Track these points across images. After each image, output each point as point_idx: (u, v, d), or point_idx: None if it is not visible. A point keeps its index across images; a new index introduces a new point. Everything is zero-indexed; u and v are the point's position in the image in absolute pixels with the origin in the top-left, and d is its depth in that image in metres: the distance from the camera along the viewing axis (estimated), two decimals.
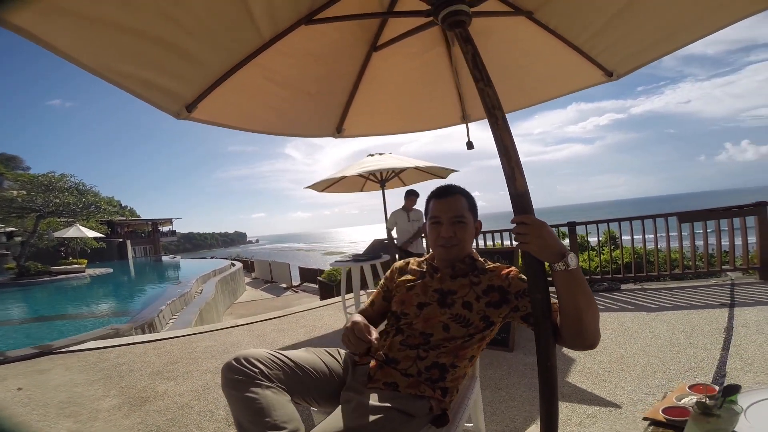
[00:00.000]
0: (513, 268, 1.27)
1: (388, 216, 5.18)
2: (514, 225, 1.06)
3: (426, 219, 1.39)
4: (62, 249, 21.58)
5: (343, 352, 1.36)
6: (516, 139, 1.16)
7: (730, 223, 4.63)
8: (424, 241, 5.10)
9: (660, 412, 1.11)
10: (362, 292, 4.44)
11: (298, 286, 15.40)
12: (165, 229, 47.88)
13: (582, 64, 1.96)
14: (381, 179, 5.37)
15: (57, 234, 20.94)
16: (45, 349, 4.04)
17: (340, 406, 1.11)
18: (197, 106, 1.64)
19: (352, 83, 2.10)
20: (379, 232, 5.27)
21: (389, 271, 1.51)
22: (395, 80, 2.19)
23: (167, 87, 1.53)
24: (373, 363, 1.25)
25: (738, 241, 4.59)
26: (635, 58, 1.90)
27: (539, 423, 1.14)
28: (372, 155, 5.09)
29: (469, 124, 2.46)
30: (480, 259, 1.35)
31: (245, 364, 1.09)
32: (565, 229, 5.40)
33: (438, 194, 1.34)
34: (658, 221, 4.82)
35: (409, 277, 1.40)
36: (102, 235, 24.98)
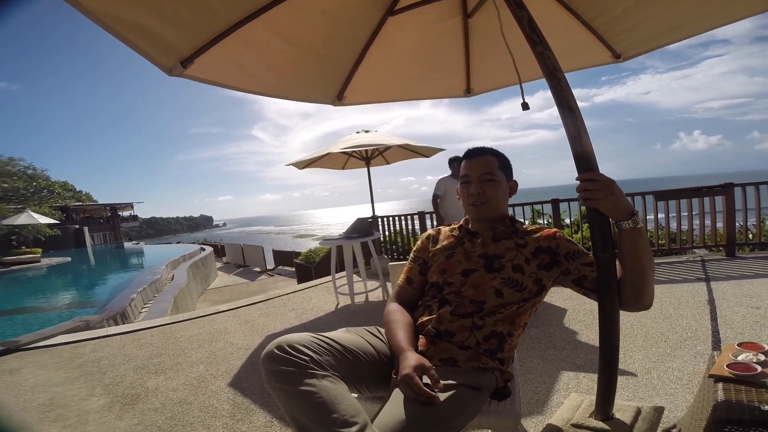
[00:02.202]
0: (556, 228, 1.24)
1: (436, 183, 4.60)
2: (579, 183, 1.05)
3: (458, 181, 1.35)
4: (13, 238, 20.02)
5: (382, 330, 1.25)
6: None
7: (701, 202, 4.88)
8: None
9: (725, 368, 1.13)
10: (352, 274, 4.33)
11: (273, 269, 15.11)
12: (125, 214, 45.29)
13: (593, 43, 1.99)
14: (366, 156, 5.24)
15: (6, 222, 19.37)
16: (11, 345, 3.70)
17: (395, 391, 1.00)
18: (194, 61, 1.50)
19: (361, 47, 1.99)
20: (352, 214, 5.14)
21: (419, 242, 1.42)
22: (404, 48, 2.11)
23: (166, 37, 1.38)
24: (422, 340, 1.16)
25: (707, 220, 4.86)
26: (645, 43, 1.97)
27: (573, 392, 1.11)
28: (358, 132, 4.92)
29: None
30: (520, 221, 1.31)
31: (291, 352, 0.96)
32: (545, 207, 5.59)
33: (468, 155, 1.32)
34: (636, 199, 5.00)
35: (444, 243, 1.32)
36: (56, 222, 23.34)
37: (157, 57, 1.44)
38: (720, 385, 1.07)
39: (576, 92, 1.14)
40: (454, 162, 4.46)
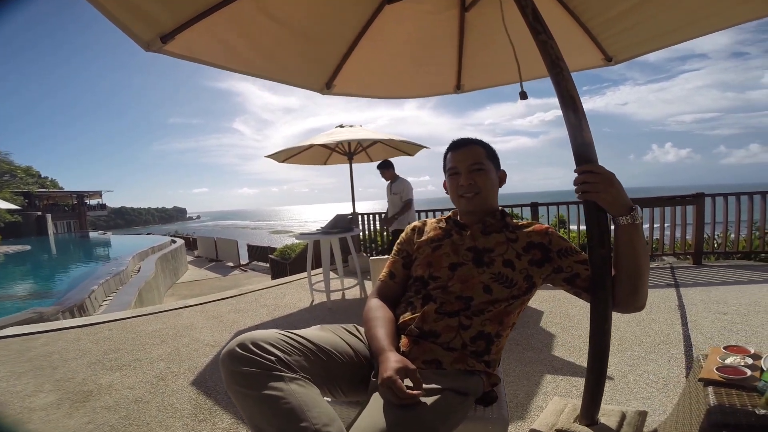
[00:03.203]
0: (548, 225, 1.19)
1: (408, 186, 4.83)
2: (577, 175, 1.01)
3: (445, 174, 1.28)
4: None
5: (361, 328, 1.16)
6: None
7: (673, 211, 5.03)
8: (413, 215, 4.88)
9: (715, 371, 1.10)
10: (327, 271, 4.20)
11: (247, 264, 14.72)
12: (93, 202, 43.23)
13: (587, 45, 1.98)
14: (349, 152, 5.12)
15: None
16: None
17: (374, 396, 0.91)
18: (175, 37, 1.40)
19: (355, 35, 1.90)
20: (332, 211, 5.04)
21: (403, 233, 1.33)
22: (399, 39, 2.03)
23: (147, 10, 1.29)
24: (404, 340, 1.06)
25: (678, 230, 5.01)
26: (637, 47, 1.97)
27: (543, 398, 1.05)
28: (342, 126, 4.80)
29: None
30: (510, 214, 1.25)
31: (256, 351, 0.85)
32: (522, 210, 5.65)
33: (454, 146, 1.26)
34: None
35: (431, 235, 1.24)
36: (17, 208, 22.01)
37: (136, 30, 1.34)
38: (710, 388, 1.04)
39: (557, 100, 1.10)
40: (384, 168, 4.70)
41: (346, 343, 1.06)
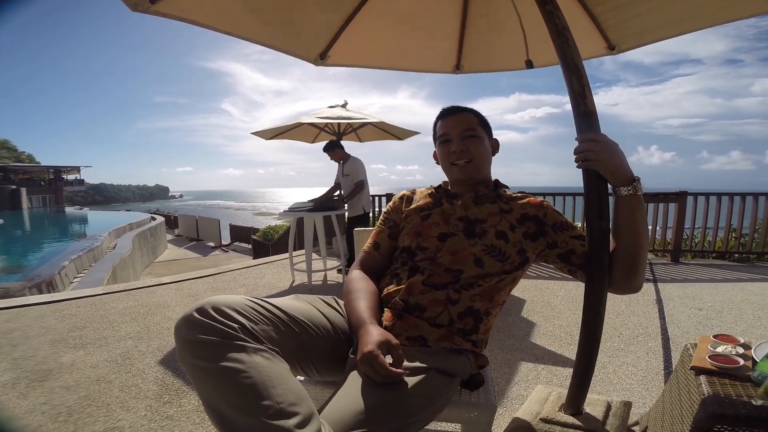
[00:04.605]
0: (543, 198, 1.12)
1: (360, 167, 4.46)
2: (578, 144, 0.96)
3: (435, 144, 1.22)
4: None
5: (341, 301, 1.07)
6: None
7: (655, 208, 5.10)
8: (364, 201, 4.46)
9: (708, 359, 1.06)
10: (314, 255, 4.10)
11: (228, 245, 14.49)
12: (70, 177, 41.79)
13: (591, 33, 1.94)
14: (338, 131, 4.97)
15: None
16: None
17: (351, 375, 0.82)
18: None
19: (354, 4, 1.79)
20: (317, 194, 4.89)
21: (391, 202, 1.25)
22: (399, 10, 1.93)
23: None
24: (387, 314, 0.98)
25: (658, 227, 5.09)
26: (641, 36, 1.94)
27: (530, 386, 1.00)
28: (333, 106, 4.64)
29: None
30: (504, 185, 1.19)
31: (216, 317, 0.72)
32: None
33: (445, 113, 1.18)
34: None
35: (420, 204, 1.16)
36: None
37: None
38: (703, 377, 1.00)
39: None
40: (330, 148, 4.37)
41: (324, 315, 0.97)
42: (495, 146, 1.19)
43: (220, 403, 0.67)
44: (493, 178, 1.19)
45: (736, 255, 4.87)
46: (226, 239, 14.87)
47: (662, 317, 2.90)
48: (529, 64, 1.38)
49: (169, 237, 17.06)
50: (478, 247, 1.01)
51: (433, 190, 1.20)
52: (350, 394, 0.75)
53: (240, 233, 14.60)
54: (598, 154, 0.92)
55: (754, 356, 1.02)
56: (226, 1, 1.59)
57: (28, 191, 31.06)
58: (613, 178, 0.93)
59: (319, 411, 0.73)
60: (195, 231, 16.31)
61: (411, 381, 0.80)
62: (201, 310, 0.74)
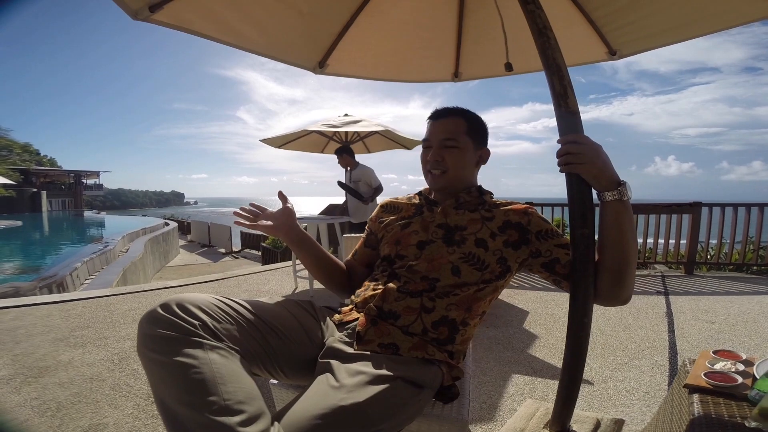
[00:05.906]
0: (527, 204, 1.08)
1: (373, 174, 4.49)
2: (560, 146, 0.92)
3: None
4: None
5: (317, 306, 1.06)
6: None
7: (668, 219, 4.96)
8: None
9: (702, 377, 1.00)
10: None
11: (239, 251, 14.60)
12: (90, 182, 43.05)
13: (591, 38, 1.92)
14: (345, 141, 5.00)
15: None
16: None
17: (317, 379, 0.81)
18: (164, 6, 1.35)
19: (351, 12, 1.80)
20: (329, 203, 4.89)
21: (374, 211, 1.25)
22: (399, 18, 1.93)
23: None
24: (362, 319, 0.96)
25: (672, 238, 4.94)
26: (642, 42, 1.91)
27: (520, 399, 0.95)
28: (341, 116, 4.68)
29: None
30: (489, 192, 1.15)
31: (179, 313, 0.74)
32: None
33: (433, 116, 1.15)
34: None
35: (402, 213, 1.16)
36: (12, 183, 21.86)
37: None
38: (696, 396, 0.93)
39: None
40: (339, 153, 4.37)
41: (296, 319, 0.95)
42: (484, 156, 1.15)
43: (167, 396, 0.67)
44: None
45: (755, 267, 4.69)
46: (237, 246, 15.00)
47: (671, 330, 2.79)
48: (509, 68, 1.35)
49: (182, 243, 17.30)
50: (456, 255, 0.99)
51: (416, 198, 1.19)
52: (310, 398, 0.74)
53: (250, 240, 14.70)
54: (579, 157, 0.88)
55: (756, 373, 0.96)
56: (222, 12, 1.61)
57: (48, 194, 31.99)
58: (597, 183, 0.89)
59: (282, 413, 0.72)
60: (207, 237, 16.51)
61: (374, 389, 0.77)
62: (165, 306, 0.75)
